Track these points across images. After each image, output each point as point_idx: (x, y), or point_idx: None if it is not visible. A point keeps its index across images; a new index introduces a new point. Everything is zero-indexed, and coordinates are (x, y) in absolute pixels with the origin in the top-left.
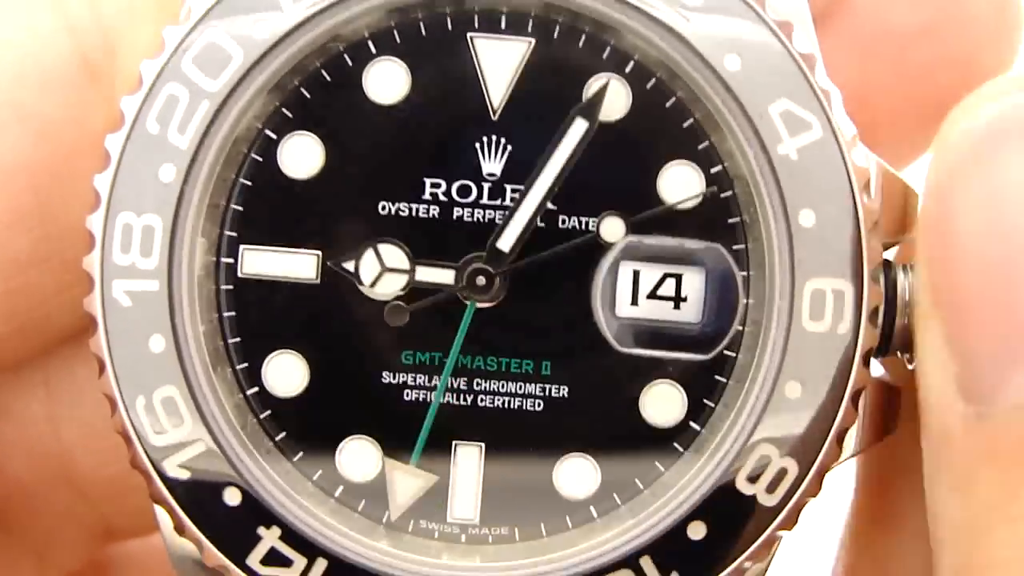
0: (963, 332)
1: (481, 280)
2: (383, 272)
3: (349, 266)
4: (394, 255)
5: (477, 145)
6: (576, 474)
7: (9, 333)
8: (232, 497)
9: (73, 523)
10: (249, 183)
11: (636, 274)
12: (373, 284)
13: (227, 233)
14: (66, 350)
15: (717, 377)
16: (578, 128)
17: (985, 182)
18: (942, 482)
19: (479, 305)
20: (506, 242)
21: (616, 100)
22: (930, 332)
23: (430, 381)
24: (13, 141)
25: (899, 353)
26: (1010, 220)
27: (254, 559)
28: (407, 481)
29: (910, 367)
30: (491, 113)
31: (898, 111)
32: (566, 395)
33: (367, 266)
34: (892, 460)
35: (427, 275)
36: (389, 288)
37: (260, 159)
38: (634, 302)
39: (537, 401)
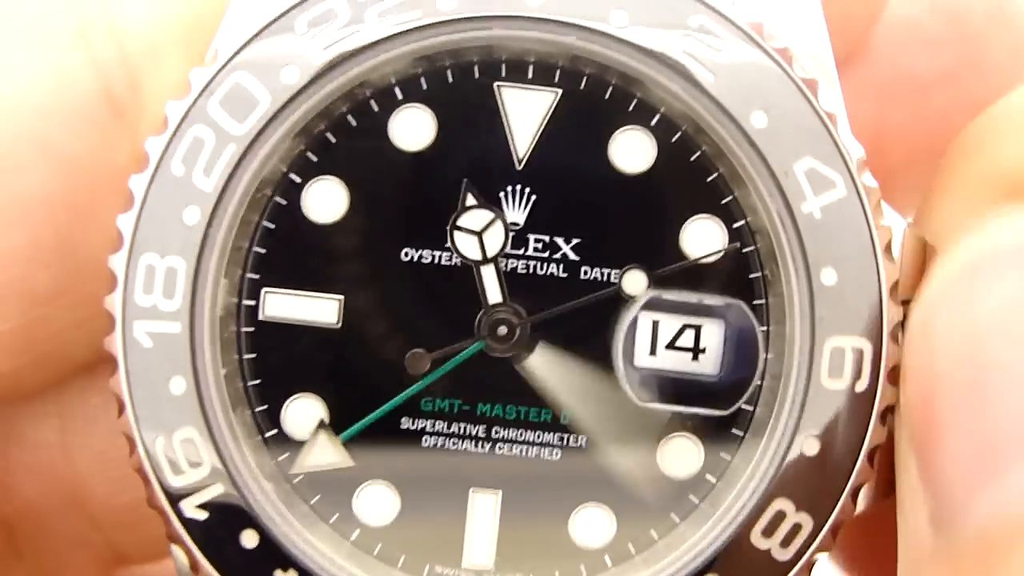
0: (934, 459)
1: (503, 330)
2: None
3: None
4: None
5: (501, 194)
6: (592, 523)
7: (25, 364)
8: (249, 539)
9: (84, 549)
10: (272, 226)
11: (655, 324)
12: None
13: (249, 275)
14: (81, 380)
15: (735, 431)
16: None
17: (963, 312)
18: None
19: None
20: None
21: (641, 152)
22: (906, 467)
23: (448, 427)
24: (35, 176)
25: None
26: (984, 346)
27: None
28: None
29: None
30: (516, 162)
31: (916, 157)
32: (584, 445)
33: None
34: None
35: None
36: None
37: (284, 203)
38: (652, 352)
39: (555, 450)
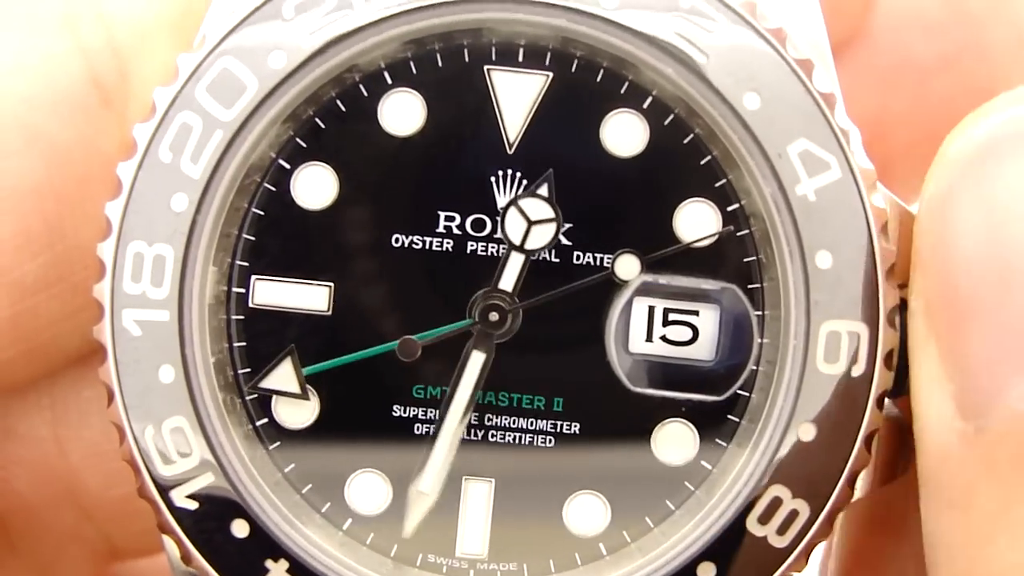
0: (960, 346)
1: (494, 316)
2: None
3: None
4: None
5: (492, 179)
6: (586, 511)
7: (16, 356)
8: (240, 529)
9: (78, 543)
10: (261, 213)
11: (651, 309)
12: None
13: (238, 263)
14: (73, 372)
15: (730, 417)
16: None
17: (983, 192)
18: (940, 502)
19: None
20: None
21: (633, 136)
22: (926, 355)
23: (440, 415)
24: (23, 164)
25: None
26: (1008, 228)
27: None
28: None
29: None
30: (507, 146)
31: (916, 143)
32: (578, 432)
33: None
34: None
35: None
36: None
37: (273, 189)
38: (648, 338)
39: (548, 437)
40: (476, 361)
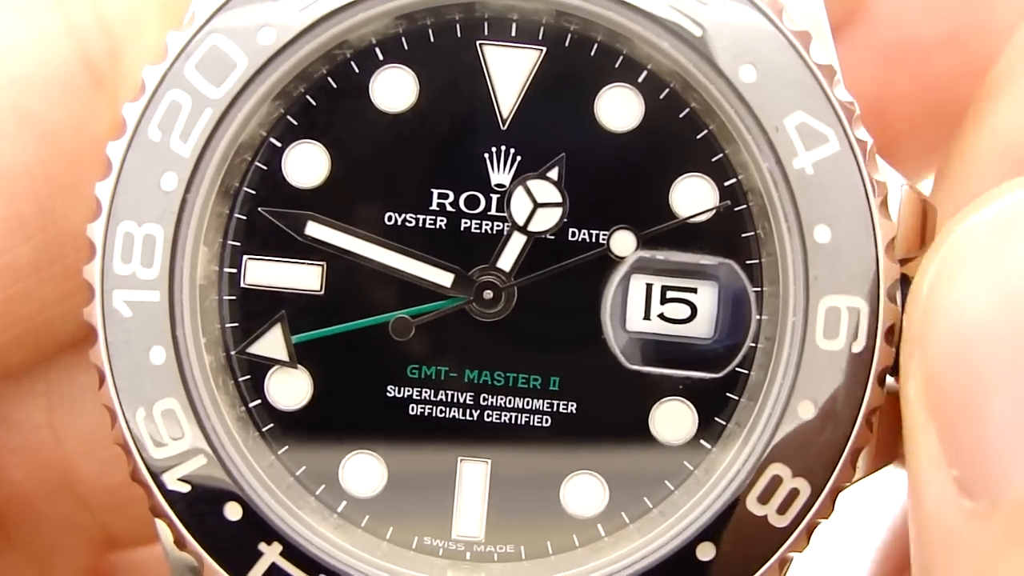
0: (967, 429)
1: (489, 294)
2: None
3: None
4: None
5: (486, 155)
6: (584, 492)
7: (9, 341)
8: (233, 512)
9: (75, 532)
10: (253, 192)
11: (649, 287)
12: None
13: (230, 243)
14: (67, 358)
15: (729, 395)
16: None
17: (995, 270)
18: None
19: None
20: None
21: (628, 110)
22: (924, 439)
23: (436, 395)
24: (15, 146)
25: None
26: (1021, 309)
27: (255, 575)
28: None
29: None
30: (500, 122)
31: (919, 122)
32: (574, 411)
33: None
34: None
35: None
36: None
37: (264, 167)
38: (646, 316)
39: (545, 417)
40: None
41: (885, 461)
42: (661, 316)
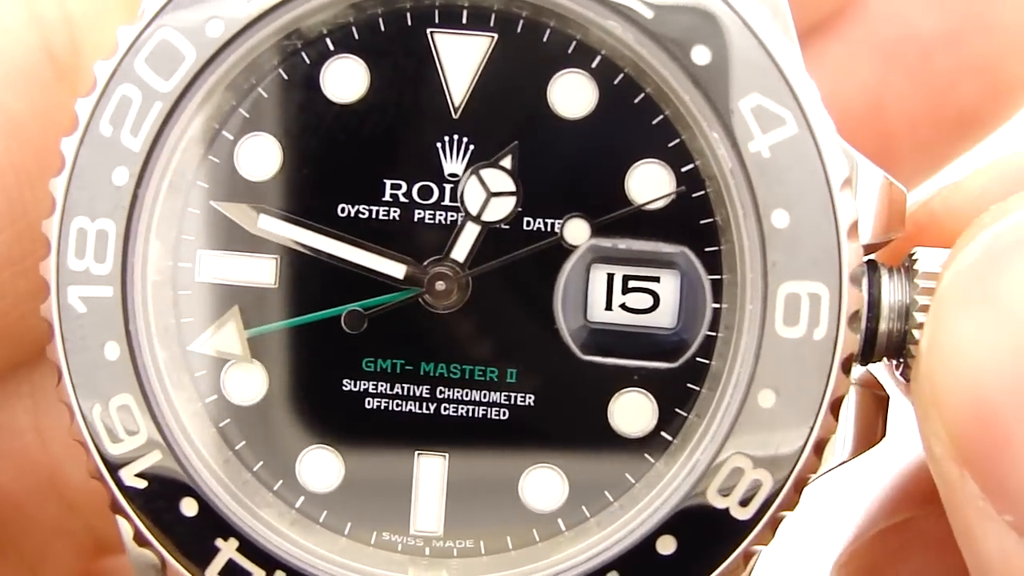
0: (1008, 475)
1: (442, 285)
2: None
3: None
4: None
5: (438, 144)
6: (543, 486)
7: None
8: (189, 508)
9: (64, 536)
10: (206, 185)
11: (610, 277)
12: None
13: (184, 237)
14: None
15: (690, 385)
16: None
17: (991, 306)
18: None
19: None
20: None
21: (582, 96)
22: (965, 495)
23: (392, 388)
24: None
25: (886, 359)
26: None
27: (212, 571)
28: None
29: (898, 373)
30: (452, 111)
31: (917, 120)
32: (532, 404)
33: None
34: None
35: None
36: None
37: (217, 161)
38: (608, 306)
39: (502, 410)
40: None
41: (859, 451)
42: (623, 306)
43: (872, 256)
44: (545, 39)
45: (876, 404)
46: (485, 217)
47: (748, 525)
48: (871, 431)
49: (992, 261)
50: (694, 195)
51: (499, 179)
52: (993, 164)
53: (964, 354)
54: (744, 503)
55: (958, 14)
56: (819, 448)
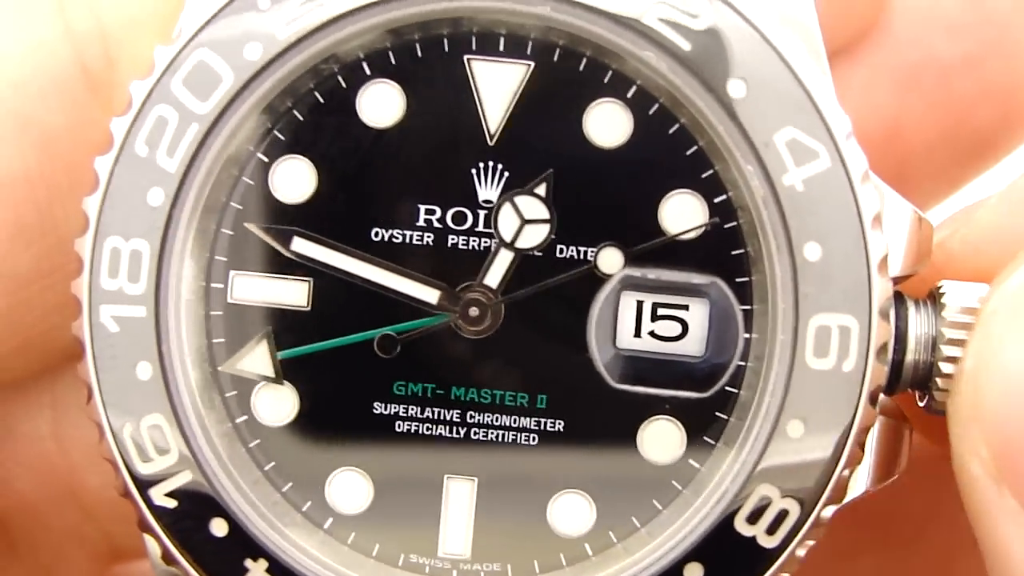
0: None
1: (475, 311)
2: None
3: None
4: None
5: (473, 171)
6: (571, 511)
7: (12, 351)
8: (219, 528)
9: (80, 543)
10: (240, 207)
11: (640, 304)
12: None
13: (217, 258)
14: (73, 368)
15: (718, 414)
16: None
17: None
18: None
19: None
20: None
21: (617, 126)
22: (1005, 512)
23: (422, 412)
24: (13, 151)
25: (910, 390)
26: None
27: None
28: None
29: (921, 404)
30: (488, 138)
31: (935, 144)
32: (562, 430)
33: None
34: None
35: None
36: None
37: (251, 183)
38: (637, 333)
39: (532, 435)
40: None
41: (880, 480)
42: (652, 334)
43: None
44: (581, 68)
45: (898, 434)
46: (519, 244)
47: (774, 553)
48: (893, 461)
49: None
50: (726, 226)
51: (533, 206)
52: (1004, 194)
53: (1012, 371)
54: (771, 531)
55: (976, 39)
56: (845, 479)
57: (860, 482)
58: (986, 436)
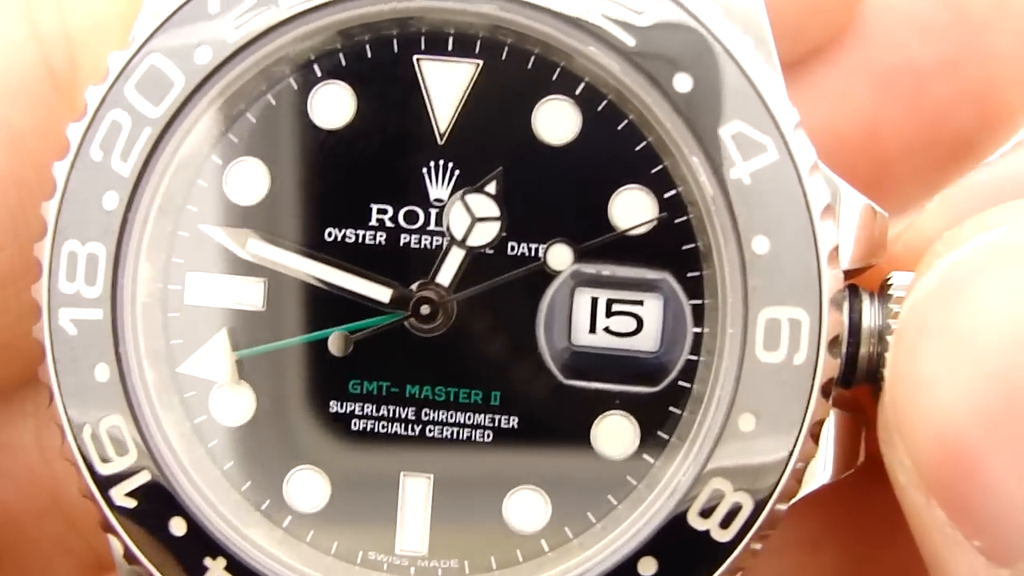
0: (976, 502)
1: (426, 309)
2: None
3: None
4: None
5: (424, 170)
6: (527, 507)
7: None
8: (178, 527)
9: (65, 554)
10: (195, 209)
11: (594, 301)
12: None
13: (174, 260)
14: None
15: (672, 409)
16: None
17: (949, 340)
18: None
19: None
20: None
21: (566, 123)
22: (933, 523)
23: (378, 410)
24: None
25: (865, 383)
26: (988, 359)
27: None
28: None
29: (874, 397)
30: (438, 137)
31: (912, 148)
32: (516, 426)
33: None
34: None
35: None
36: None
37: (206, 185)
38: (592, 330)
39: (487, 432)
40: None
41: (838, 473)
42: (607, 330)
43: (853, 281)
44: (529, 66)
45: (855, 427)
46: (470, 242)
47: (728, 547)
48: (851, 453)
49: (948, 291)
50: (676, 221)
51: (484, 204)
52: (942, 199)
53: (926, 384)
54: (724, 525)
55: (953, 42)
56: (799, 472)
57: (819, 474)
58: (908, 450)
